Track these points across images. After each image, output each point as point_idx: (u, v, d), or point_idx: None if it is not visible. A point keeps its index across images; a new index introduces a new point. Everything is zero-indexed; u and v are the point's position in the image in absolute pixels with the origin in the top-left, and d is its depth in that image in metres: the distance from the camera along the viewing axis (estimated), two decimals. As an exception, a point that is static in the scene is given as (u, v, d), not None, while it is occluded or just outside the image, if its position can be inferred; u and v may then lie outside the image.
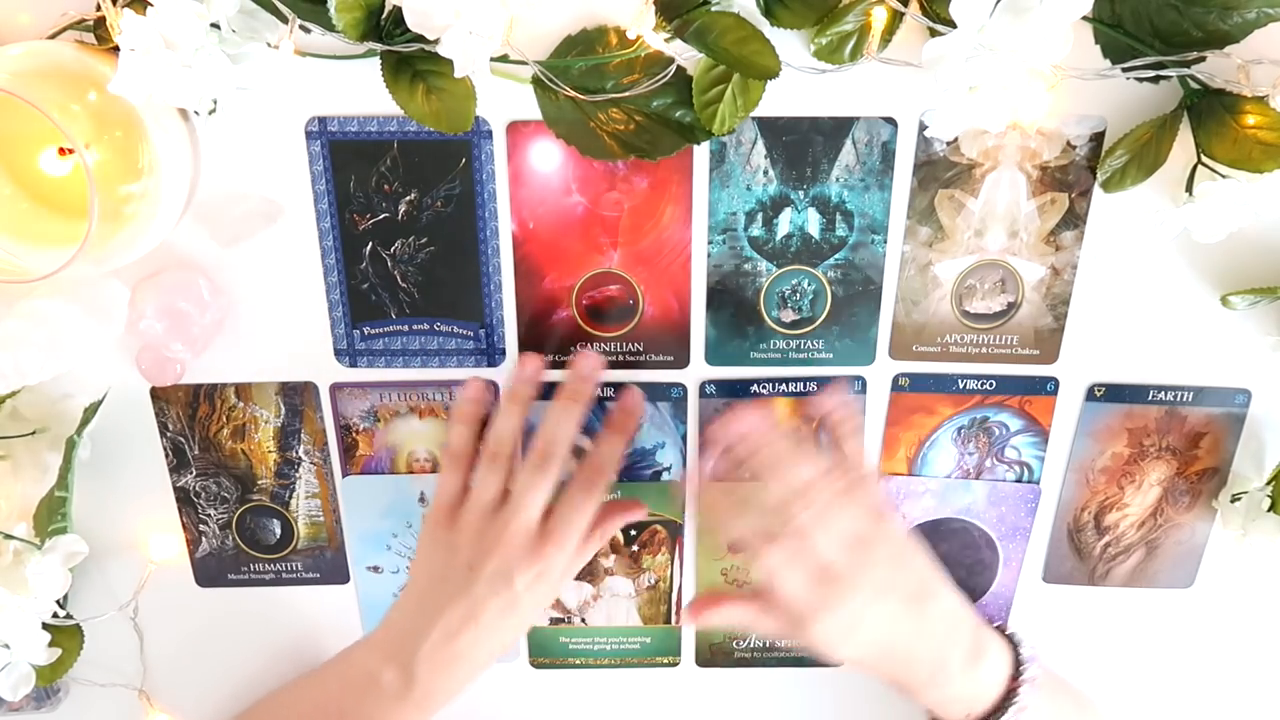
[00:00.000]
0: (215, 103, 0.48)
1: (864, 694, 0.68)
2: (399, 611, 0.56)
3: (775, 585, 0.51)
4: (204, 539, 0.62)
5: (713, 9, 0.45)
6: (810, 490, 0.50)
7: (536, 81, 0.48)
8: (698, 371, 0.57)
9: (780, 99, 0.50)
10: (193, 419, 0.58)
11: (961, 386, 0.58)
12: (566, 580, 0.55)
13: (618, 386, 0.58)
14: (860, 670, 0.53)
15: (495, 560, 0.52)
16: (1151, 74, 0.46)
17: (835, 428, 0.55)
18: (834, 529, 0.50)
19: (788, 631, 0.52)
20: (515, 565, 0.52)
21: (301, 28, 0.45)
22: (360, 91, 0.50)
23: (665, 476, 0.60)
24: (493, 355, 0.57)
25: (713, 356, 0.57)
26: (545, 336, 0.56)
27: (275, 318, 0.56)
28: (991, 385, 0.58)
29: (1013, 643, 0.56)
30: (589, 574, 0.64)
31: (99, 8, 0.45)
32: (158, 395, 0.58)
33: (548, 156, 0.52)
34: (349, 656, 0.58)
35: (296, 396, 0.58)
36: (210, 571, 0.63)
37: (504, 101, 0.50)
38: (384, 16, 0.45)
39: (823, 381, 0.58)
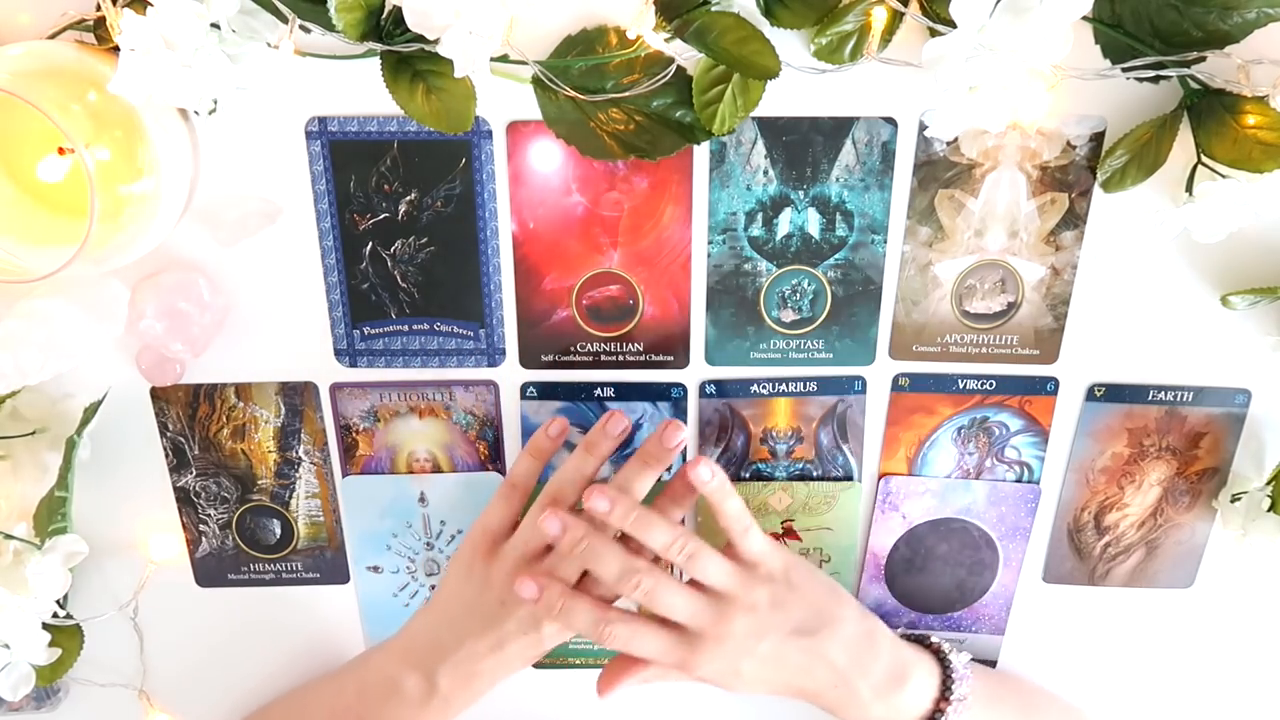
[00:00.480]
0: (215, 103, 0.48)
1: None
2: (423, 623, 0.57)
3: (634, 651, 0.52)
4: (204, 539, 0.62)
5: (713, 9, 0.45)
6: (635, 572, 0.50)
7: (536, 81, 0.48)
8: (698, 371, 0.57)
9: (780, 99, 0.50)
10: (193, 419, 0.58)
11: (961, 386, 0.58)
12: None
13: (619, 387, 0.58)
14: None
15: (528, 607, 0.53)
16: (1151, 74, 0.46)
17: (710, 495, 0.52)
18: (668, 598, 0.51)
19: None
20: (545, 617, 0.53)
21: (301, 28, 0.45)
22: (360, 91, 0.50)
23: (665, 476, 0.60)
24: (493, 355, 0.57)
25: (713, 356, 0.57)
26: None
27: (275, 318, 0.56)
28: (991, 385, 0.57)
29: (944, 663, 0.57)
30: (589, 574, 0.64)
31: (99, 8, 0.45)
32: (158, 395, 0.58)
33: (548, 156, 0.52)
34: (367, 662, 0.59)
35: (296, 396, 0.58)
36: (210, 571, 0.63)
37: (504, 101, 0.50)
38: (384, 16, 0.45)
39: (823, 381, 0.58)
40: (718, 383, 0.58)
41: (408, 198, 0.53)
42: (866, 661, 0.54)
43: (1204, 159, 0.48)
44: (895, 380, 0.58)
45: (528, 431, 0.59)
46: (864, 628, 0.55)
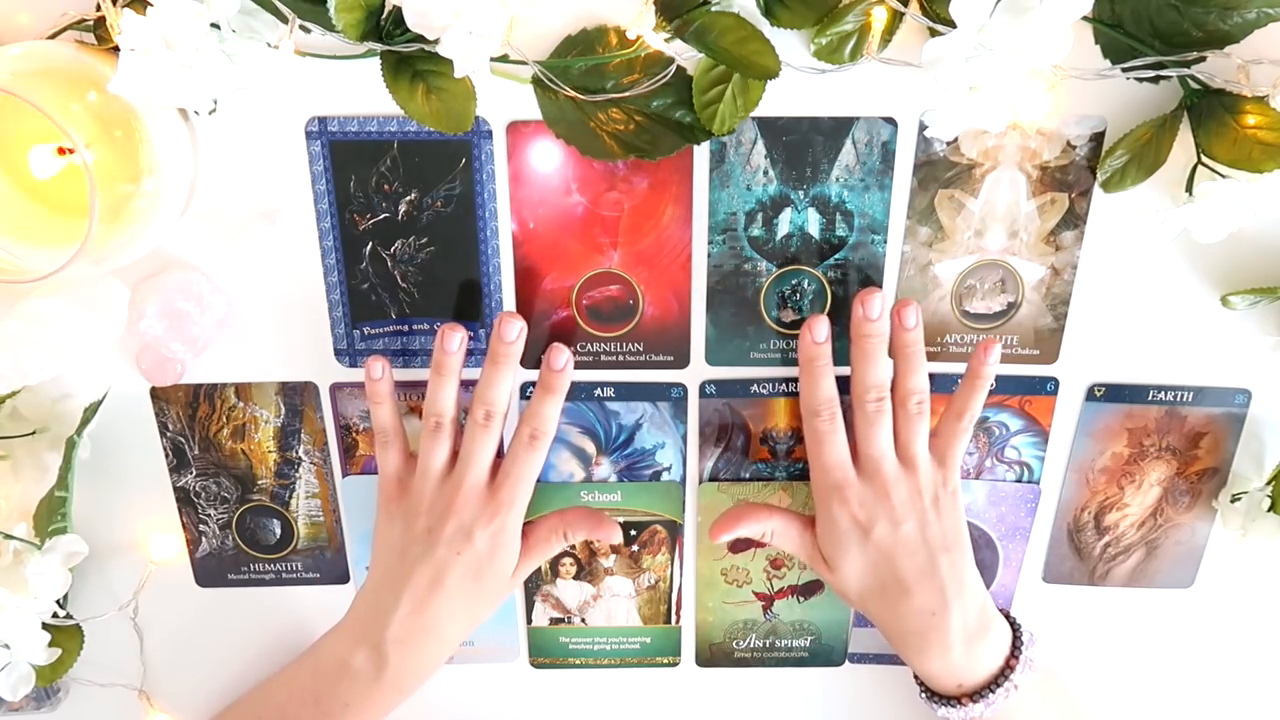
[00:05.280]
0: (215, 103, 0.48)
1: (864, 694, 0.68)
2: (365, 593, 0.57)
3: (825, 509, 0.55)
4: (204, 539, 0.62)
5: (713, 9, 0.45)
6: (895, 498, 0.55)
7: (536, 81, 0.48)
8: (698, 371, 0.57)
9: (780, 99, 0.50)
10: (193, 419, 0.58)
11: (961, 386, 0.58)
12: (516, 540, 0.56)
13: (619, 387, 0.58)
14: (860, 605, 0.56)
15: (453, 520, 0.54)
16: (1151, 74, 0.46)
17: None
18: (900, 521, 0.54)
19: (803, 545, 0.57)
20: (473, 521, 0.54)
21: (301, 28, 0.45)
22: (360, 91, 0.50)
23: (665, 477, 0.60)
24: (493, 355, 0.57)
25: (713, 356, 0.57)
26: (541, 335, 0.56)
27: (275, 318, 0.56)
28: (991, 385, 0.57)
29: (1013, 626, 0.57)
30: (589, 574, 0.64)
31: (99, 8, 0.45)
32: (158, 395, 0.58)
33: (548, 156, 0.52)
34: (320, 645, 0.59)
35: (296, 396, 0.58)
36: (210, 571, 0.63)
37: (504, 101, 0.50)
38: (384, 16, 0.45)
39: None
40: (718, 383, 0.58)
41: (408, 198, 0.53)
42: (968, 598, 0.55)
43: (1204, 159, 0.48)
44: (895, 380, 0.58)
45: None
46: (974, 569, 0.56)
